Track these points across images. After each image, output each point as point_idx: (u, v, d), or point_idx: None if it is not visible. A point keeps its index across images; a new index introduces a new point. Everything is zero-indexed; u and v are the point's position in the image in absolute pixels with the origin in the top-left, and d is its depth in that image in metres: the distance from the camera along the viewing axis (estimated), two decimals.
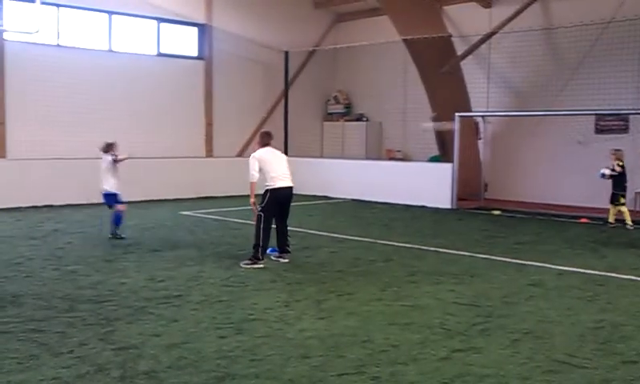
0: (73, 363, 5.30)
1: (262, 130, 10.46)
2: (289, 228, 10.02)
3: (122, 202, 11.77)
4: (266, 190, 9.61)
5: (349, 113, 23.19)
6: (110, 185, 11.67)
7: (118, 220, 11.66)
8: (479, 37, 18.17)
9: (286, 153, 21.37)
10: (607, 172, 14.03)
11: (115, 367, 5.23)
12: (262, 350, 5.72)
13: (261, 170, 9.63)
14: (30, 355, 5.46)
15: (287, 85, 21.47)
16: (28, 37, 15.94)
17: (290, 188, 9.81)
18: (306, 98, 22.52)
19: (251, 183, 9.64)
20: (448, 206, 17.25)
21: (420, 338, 6.13)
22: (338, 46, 22.12)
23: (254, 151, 9.92)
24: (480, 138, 18.89)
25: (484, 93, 18.42)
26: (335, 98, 23.41)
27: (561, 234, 13.05)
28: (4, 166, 15.91)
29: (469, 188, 17.95)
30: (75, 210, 15.59)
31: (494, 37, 17.96)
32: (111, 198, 11.71)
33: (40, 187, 16.09)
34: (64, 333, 6.09)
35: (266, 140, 9.95)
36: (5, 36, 15.97)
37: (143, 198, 17.38)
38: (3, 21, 15.63)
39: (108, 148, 11.94)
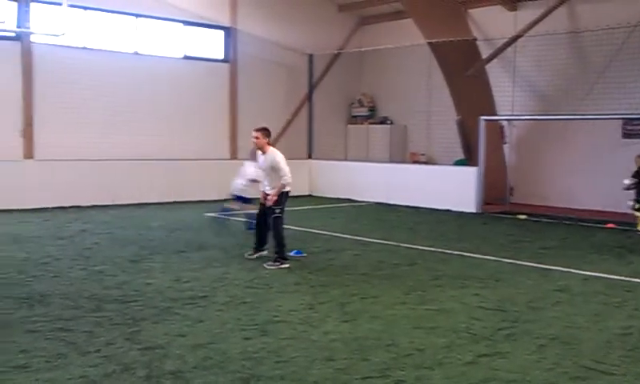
0: (100, 362, 5.35)
1: (264, 127, 10.10)
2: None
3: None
4: (283, 192, 9.67)
5: (373, 116, 23.16)
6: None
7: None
8: (504, 40, 18.05)
9: (309, 155, 21.69)
10: (627, 182, 13.96)
11: (141, 367, 5.27)
12: (287, 351, 5.73)
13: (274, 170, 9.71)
14: (58, 354, 5.53)
15: (311, 88, 21.50)
16: (55, 39, 16.17)
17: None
18: (331, 100, 22.55)
19: (289, 183, 9.67)
20: (473, 210, 17.15)
21: (445, 342, 6.10)
22: (362, 49, 22.09)
23: (268, 149, 9.86)
24: (505, 142, 18.75)
25: (509, 96, 18.30)
26: (359, 100, 23.40)
27: (587, 240, 12.91)
28: (32, 167, 16.14)
29: (494, 192, 17.82)
30: (101, 210, 15.75)
31: (520, 40, 17.84)
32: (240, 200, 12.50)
33: (67, 188, 16.30)
34: (91, 332, 6.16)
35: (269, 138, 9.97)
36: (32, 38, 16.21)
37: (168, 200, 17.54)
38: (31, 23, 15.87)
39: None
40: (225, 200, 13.58)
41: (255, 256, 9.95)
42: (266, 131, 9.91)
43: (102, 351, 5.63)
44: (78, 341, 5.89)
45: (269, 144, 9.89)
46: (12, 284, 8.07)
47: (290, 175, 9.65)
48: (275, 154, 9.76)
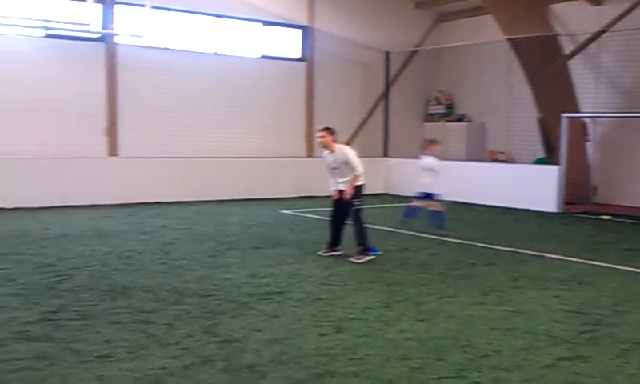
0: (179, 354, 5.49)
1: (327, 126, 10.09)
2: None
3: (437, 200, 12.55)
4: (359, 186, 9.76)
5: (450, 113, 22.85)
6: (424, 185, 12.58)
7: (434, 219, 12.48)
8: (588, 35, 17.49)
9: (385, 154, 21.59)
10: None
11: (219, 359, 5.37)
12: (362, 349, 5.73)
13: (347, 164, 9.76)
14: (140, 345, 5.70)
15: (388, 85, 21.41)
16: (138, 40, 16.69)
17: None
18: (407, 98, 22.38)
19: (362, 173, 9.77)
20: (554, 209, 16.70)
21: (524, 344, 5.96)
22: (439, 46, 21.82)
23: (335, 146, 9.91)
24: (588, 140, 18.17)
25: (592, 93, 17.72)
26: (436, 98, 23.12)
27: None
28: (116, 165, 16.70)
29: (576, 191, 17.30)
30: (182, 207, 16.14)
31: (604, 35, 17.24)
32: (426, 196, 12.62)
33: (149, 185, 16.80)
34: (171, 324, 6.32)
35: (335, 137, 10.01)
36: (116, 40, 16.75)
37: (246, 197, 17.83)
38: (115, 25, 16.42)
39: (426, 147, 12.88)
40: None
41: (328, 254, 10.00)
42: (329, 130, 9.96)
43: (182, 343, 5.77)
44: (158, 333, 6.06)
45: (335, 142, 9.92)
46: (96, 277, 8.36)
47: (361, 167, 9.74)
48: (344, 150, 9.88)
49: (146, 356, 5.43)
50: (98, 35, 16.49)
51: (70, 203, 15.47)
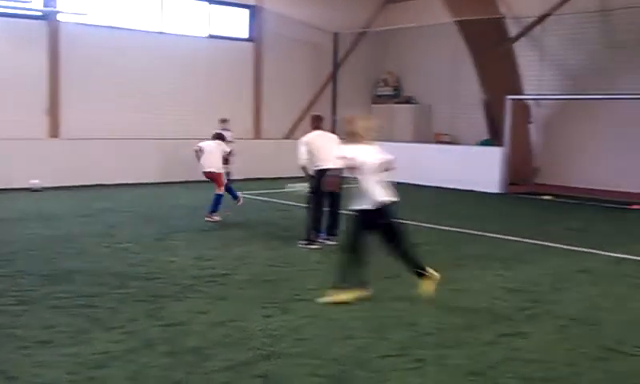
0: (122, 338, 5.42)
1: (313, 114, 10.48)
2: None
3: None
4: (316, 172, 9.63)
5: (398, 95, 23.01)
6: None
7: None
8: (533, 18, 17.78)
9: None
10: None
11: (163, 343, 5.33)
12: (307, 329, 5.76)
13: (311, 153, 9.64)
14: (81, 329, 5.61)
15: (336, 67, 21.40)
16: (81, 18, 16.27)
17: (339, 170, 9.78)
18: (355, 80, 22.42)
19: (302, 166, 9.68)
20: (497, 190, 17.03)
21: (466, 321, 6.08)
22: (387, 28, 21.88)
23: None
24: (531, 122, 18.53)
25: (537, 76, 18.04)
26: (384, 80, 23.26)
27: (612, 221, 12.77)
28: (58, 146, 16.31)
29: (519, 172, 17.66)
30: (126, 189, 15.90)
31: (549, 18, 17.55)
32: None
33: (92, 166, 16.46)
34: (114, 308, 6.23)
35: (316, 123, 9.97)
36: (59, 18, 16.31)
37: (192, 179, 17.61)
38: (57, 3, 15.98)
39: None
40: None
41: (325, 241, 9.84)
42: (312, 118, 10.14)
43: (125, 327, 5.70)
44: (101, 317, 5.97)
45: (316, 128, 9.90)
46: (37, 261, 8.18)
47: (299, 157, 9.60)
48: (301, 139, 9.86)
49: (88, 340, 5.35)
50: (40, 13, 16.04)
51: (10, 186, 15.04)
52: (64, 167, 16.01)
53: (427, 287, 6.64)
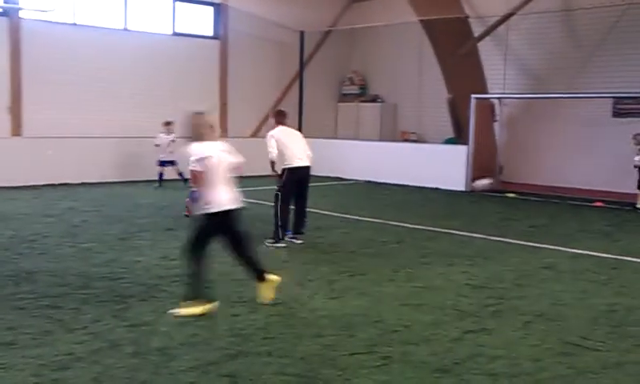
0: (87, 339, 5.35)
1: (277, 109, 10.42)
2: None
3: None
4: (283, 170, 9.60)
5: (364, 94, 23.10)
6: None
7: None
8: (497, 18, 17.98)
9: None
10: (637, 158, 14.02)
11: (128, 343, 5.27)
12: (275, 328, 5.75)
13: (278, 149, 9.59)
14: (45, 331, 5.52)
15: (302, 65, 21.38)
16: (44, 15, 16.00)
17: (307, 167, 9.78)
18: (321, 78, 22.44)
19: (271, 161, 9.60)
20: (462, 188, 17.19)
21: (432, 318, 6.13)
22: (353, 27, 21.92)
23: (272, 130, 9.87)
24: (496, 120, 18.75)
25: (501, 75, 18.25)
26: (350, 79, 23.32)
27: (575, 218, 12.97)
28: (20, 145, 16.03)
29: (484, 170, 17.84)
30: (90, 188, 15.70)
31: (512, 18, 17.75)
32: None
33: (55, 165, 16.20)
34: (78, 309, 6.15)
35: (279, 119, 9.91)
36: (21, 14, 16.02)
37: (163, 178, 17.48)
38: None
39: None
40: None
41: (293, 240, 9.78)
42: (276, 113, 10.11)
43: (89, 328, 5.62)
44: (65, 318, 5.88)
45: (279, 124, 9.85)
46: None
47: (269, 150, 9.53)
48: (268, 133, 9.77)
49: (51, 342, 5.27)
50: (1, 10, 15.74)
51: None
52: (27, 166, 15.74)
53: (267, 292, 6.45)
